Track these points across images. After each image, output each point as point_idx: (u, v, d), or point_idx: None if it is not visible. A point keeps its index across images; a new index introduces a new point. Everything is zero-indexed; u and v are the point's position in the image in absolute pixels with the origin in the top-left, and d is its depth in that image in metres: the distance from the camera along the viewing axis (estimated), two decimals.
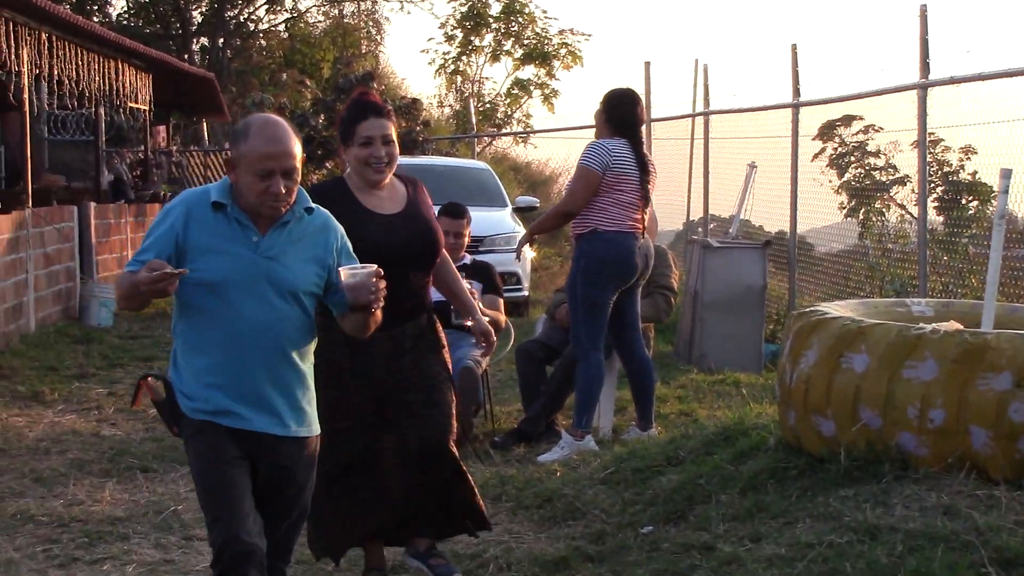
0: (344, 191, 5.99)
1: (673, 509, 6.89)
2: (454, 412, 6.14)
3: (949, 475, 6.19)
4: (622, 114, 8.94)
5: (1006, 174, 6.88)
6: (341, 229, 5.02)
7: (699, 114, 17.58)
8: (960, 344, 6.21)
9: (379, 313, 4.87)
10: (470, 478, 6.26)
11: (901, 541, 5.64)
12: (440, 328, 6.27)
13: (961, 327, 6.56)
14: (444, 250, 6.36)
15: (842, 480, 6.43)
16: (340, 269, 4.75)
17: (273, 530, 4.87)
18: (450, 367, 6.29)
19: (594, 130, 9.26)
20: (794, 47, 13.83)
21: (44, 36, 15.00)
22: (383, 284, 4.69)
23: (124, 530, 7.25)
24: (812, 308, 7.19)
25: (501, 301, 9.48)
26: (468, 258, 9.56)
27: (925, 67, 10.47)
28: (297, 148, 4.72)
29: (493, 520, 7.32)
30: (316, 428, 4.97)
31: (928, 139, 12.01)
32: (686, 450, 7.70)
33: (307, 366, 4.91)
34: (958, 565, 5.37)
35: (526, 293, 16.85)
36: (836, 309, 7.13)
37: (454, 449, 6.14)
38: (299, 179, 4.77)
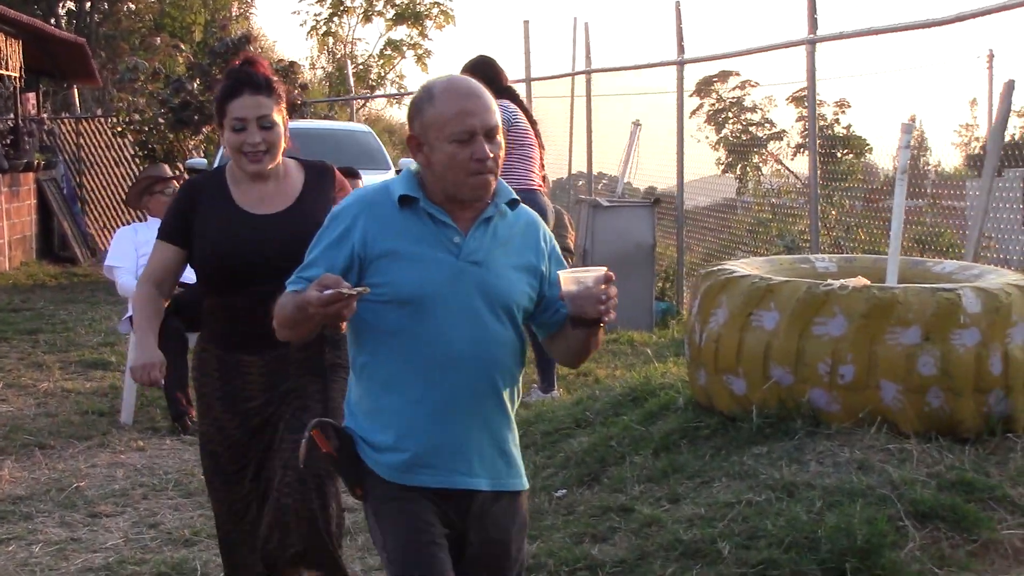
0: (219, 184, 4.89)
1: (586, 471, 6.88)
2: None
3: (860, 430, 6.26)
4: (491, 81, 8.88)
5: (907, 128, 6.94)
6: (546, 227, 4.02)
7: (580, 72, 17.54)
8: (868, 299, 6.27)
9: (600, 334, 3.86)
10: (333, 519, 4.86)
11: (819, 497, 5.69)
12: (343, 355, 4.85)
13: (868, 283, 6.61)
14: None
15: (755, 438, 6.47)
16: (560, 274, 3.72)
17: None
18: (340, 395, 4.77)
19: None
20: (677, 4, 13.84)
21: None
22: (614, 291, 3.63)
23: (27, 509, 7.11)
24: (719, 267, 7.21)
25: None
26: None
27: (813, 23, 10.52)
28: (496, 106, 3.79)
29: None
30: (525, 479, 3.99)
31: (803, 94, 12.09)
32: (594, 412, 7.70)
33: (515, 404, 3.96)
34: (876, 520, 5.42)
35: None
36: (743, 267, 7.15)
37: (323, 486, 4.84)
38: (501, 155, 3.79)
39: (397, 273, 3.69)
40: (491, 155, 3.67)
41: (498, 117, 3.74)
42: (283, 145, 4.80)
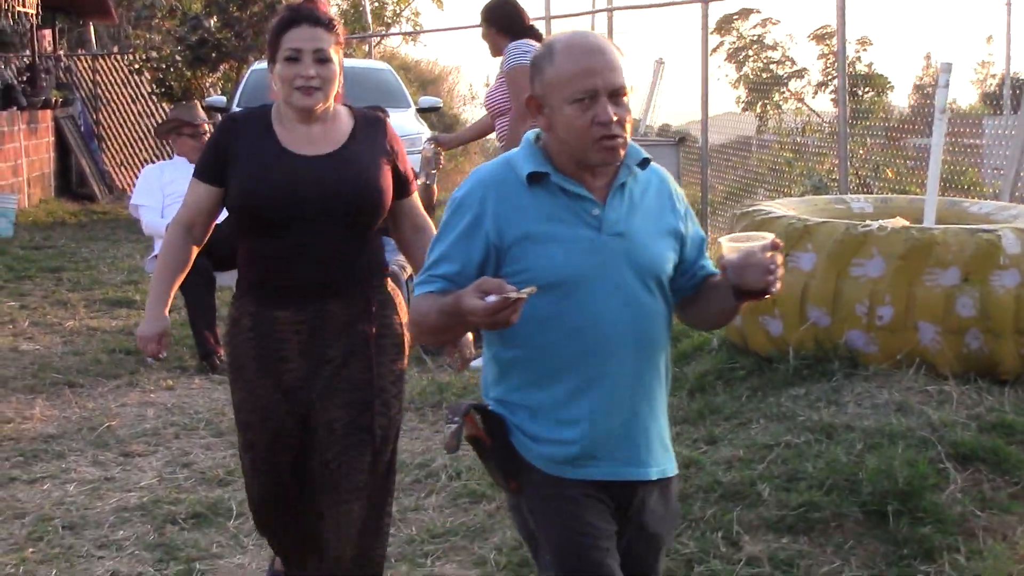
0: (262, 121, 4.46)
1: None
2: (392, 440, 4.56)
3: (899, 372, 6.24)
4: (512, 19, 8.79)
5: (946, 68, 6.86)
6: (675, 183, 3.67)
7: (601, 10, 17.41)
8: (907, 240, 6.23)
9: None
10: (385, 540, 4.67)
11: (859, 439, 5.66)
12: (397, 313, 4.56)
13: (907, 223, 6.57)
14: (419, 214, 4.68)
15: (792, 380, 6.45)
16: (722, 241, 3.34)
17: None
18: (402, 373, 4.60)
19: (490, 49, 8.96)
20: None
21: None
22: (781, 259, 3.30)
23: (59, 447, 7.10)
24: (755, 207, 7.15)
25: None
26: None
27: None
28: (623, 62, 3.40)
29: (435, 428, 7.28)
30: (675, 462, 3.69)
31: (824, 32, 12.01)
32: None
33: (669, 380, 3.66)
34: (918, 462, 5.40)
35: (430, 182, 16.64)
36: (778, 207, 7.10)
37: (384, 498, 4.60)
38: (629, 118, 3.43)
39: (537, 257, 3.36)
40: (615, 118, 3.31)
41: (625, 76, 3.39)
42: (337, 86, 4.38)
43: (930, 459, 5.47)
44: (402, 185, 4.51)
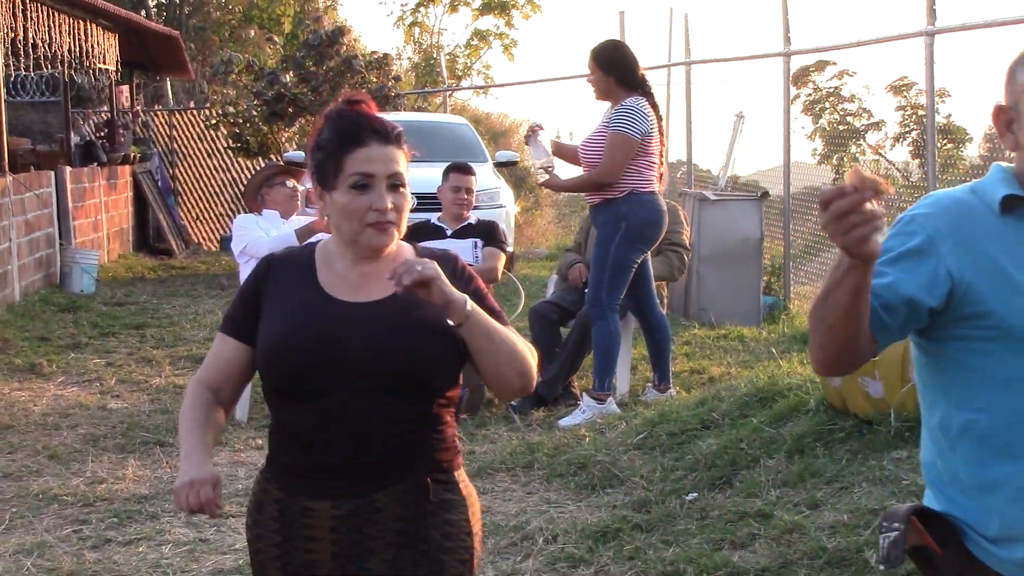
0: (303, 263, 3.52)
1: (717, 475, 6.78)
2: None
3: None
4: (628, 69, 8.73)
5: None
6: None
7: (678, 64, 17.38)
8: None
9: None
10: None
11: None
12: (468, 516, 3.47)
13: None
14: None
15: (893, 442, 6.37)
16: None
17: None
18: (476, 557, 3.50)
19: (595, 91, 8.86)
20: None
21: None
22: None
23: (152, 508, 7.09)
24: None
25: (502, 255, 9.27)
26: (473, 217, 9.36)
27: (932, 14, 10.34)
28: None
29: (527, 489, 7.23)
30: None
31: (902, 83, 11.90)
32: (720, 413, 7.60)
33: None
34: None
35: (511, 249, 16.68)
36: None
37: None
38: None
39: (1009, 300, 2.78)
40: None
41: None
42: (406, 217, 3.46)
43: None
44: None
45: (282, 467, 3.43)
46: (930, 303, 2.79)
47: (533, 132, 8.90)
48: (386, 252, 3.43)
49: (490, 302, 3.45)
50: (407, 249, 3.53)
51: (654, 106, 8.65)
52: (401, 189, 3.39)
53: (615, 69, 8.65)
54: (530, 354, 3.37)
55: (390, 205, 3.35)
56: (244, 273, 9.37)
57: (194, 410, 3.53)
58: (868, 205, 2.46)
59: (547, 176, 8.91)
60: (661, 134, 8.71)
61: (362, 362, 3.30)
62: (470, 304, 3.25)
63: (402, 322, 3.34)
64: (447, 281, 3.23)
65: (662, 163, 8.88)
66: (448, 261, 3.48)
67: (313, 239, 3.42)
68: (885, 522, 2.94)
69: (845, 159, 20.64)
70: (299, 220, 9.56)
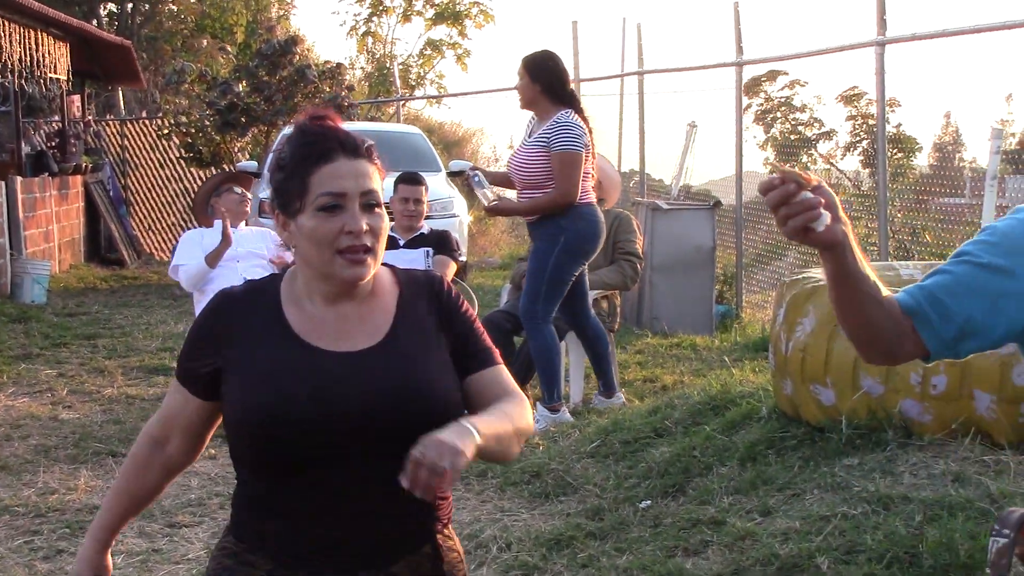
0: (268, 303, 3.04)
1: (670, 482, 6.80)
2: None
3: (953, 441, 6.17)
4: (557, 80, 8.65)
5: (997, 133, 6.85)
6: None
7: (632, 73, 17.44)
8: None
9: None
10: None
11: (917, 511, 5.59)
12: (462, 555, 3.17)
13: None
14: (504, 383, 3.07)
15: (845, 450, 6.39)
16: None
17: None
18: None
19: (520, 99, 8.77)
20: (736, 4, 13.71)
21: None
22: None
23: None
24: (804, 275, 7.12)
25: (452, 263, 9.25)
26: (426, 227, 9.34)
27: (883, 24, 10.41)
28: None
29: (481, 498, 7.23)
30: None
31: (852, 93, 11.97)
32: (673, 421, 7.62)
33: None
34: (979, 535, 5.32)
35: (464, 258, 16.65)
36: None
37: None
38: None
39: None
40: None
41: None
42: (384, 242, 3.01)
43: (991, 531, 5.38)
44: (476, 357, 3.08)
45: (266, 536, 2.97)
46: (998, 327, 2.65)
47: (470, 178, 8.88)
48: (362, 283, 2.99)
49: (483, 341, 3.10)
50: (387, 277, 3.11)
51: (584, 119, 8.62)
52: (377, 209, 2.93)
53: (542, 77, 8.58)
54: (526, 410, 3.02)
55: (365, 227, 2.90)
56: (182, 276, 9.37)
57: (123, 475, 3.21)
58: (801, 196, 2.47)
59: (496, 202, 8.87)
60: (592, 145, 8.69)
61: (368, 426, 2.87)
62: (477, 437, 2.71)
63: (403, 376, 2.94)
64: (464, 450, 2.65)
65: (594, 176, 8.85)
66: (433, 285, 3.12)
67: (279, 271, 2.83)
68: (996, 526, 2.84)
69: (796, 168, 20.73)
70: (248, 232, 9.57)
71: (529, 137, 8.64)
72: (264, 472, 2.96)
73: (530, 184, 8.55)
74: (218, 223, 9.48)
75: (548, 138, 8.41)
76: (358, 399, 2.89)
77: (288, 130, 3.12)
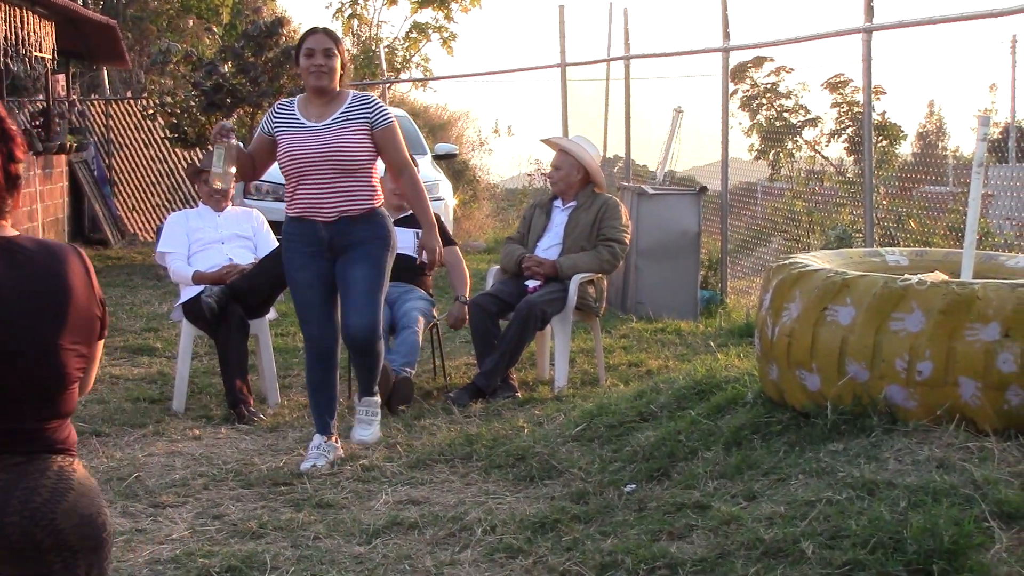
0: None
1: (655, 467, 6.80)
2: None
3: (938, 428, 6.17)
4: None
5: (984, 121, 6.83)
6: None
7: (618, 58, 17.42)
8: (947, 295, 6.18)
9: None
10: None
11: (902, 496, 5.60)
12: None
13: (947, 278, 6.53)
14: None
15: (830, 435, 6.39)
16: None
17: None
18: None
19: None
20: None
21: None
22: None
23: None
24: (791, 260, 7.12)
25: (458, 250, 9.54)
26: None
27: (870, 11, 10.41)
28: None
29: (466, 481, 7.23)
30: None
31: (838, 80, 11.98)
32: (658, 405, 7.62)
33: None
34: (963, 520, 5.33)
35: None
36: (815, 260, 7.07)
37: None
38: None
39: None
40: None
41: None
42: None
43: (975, 517, 5.40)
44: None
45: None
46: None
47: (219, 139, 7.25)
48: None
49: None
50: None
51: None
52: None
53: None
54: None
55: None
56: (170, 266, 9.41)
57: None
58: None
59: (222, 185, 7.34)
60: None
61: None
62: None
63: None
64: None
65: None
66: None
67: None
68: None
69: (781, 155, 20.76)
70: (233, 212, 9.56)
71: None
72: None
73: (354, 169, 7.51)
74: (204, 207, 9.50)
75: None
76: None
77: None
